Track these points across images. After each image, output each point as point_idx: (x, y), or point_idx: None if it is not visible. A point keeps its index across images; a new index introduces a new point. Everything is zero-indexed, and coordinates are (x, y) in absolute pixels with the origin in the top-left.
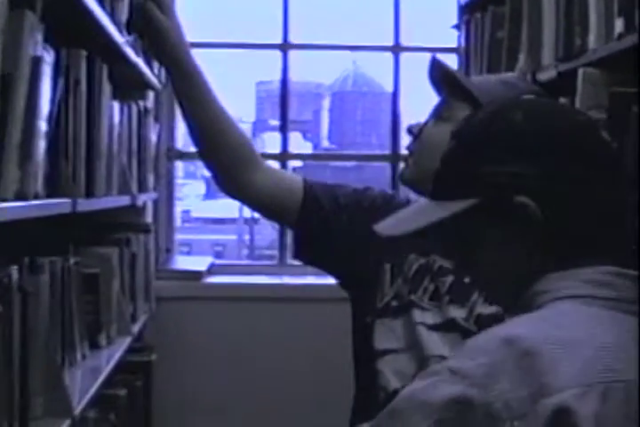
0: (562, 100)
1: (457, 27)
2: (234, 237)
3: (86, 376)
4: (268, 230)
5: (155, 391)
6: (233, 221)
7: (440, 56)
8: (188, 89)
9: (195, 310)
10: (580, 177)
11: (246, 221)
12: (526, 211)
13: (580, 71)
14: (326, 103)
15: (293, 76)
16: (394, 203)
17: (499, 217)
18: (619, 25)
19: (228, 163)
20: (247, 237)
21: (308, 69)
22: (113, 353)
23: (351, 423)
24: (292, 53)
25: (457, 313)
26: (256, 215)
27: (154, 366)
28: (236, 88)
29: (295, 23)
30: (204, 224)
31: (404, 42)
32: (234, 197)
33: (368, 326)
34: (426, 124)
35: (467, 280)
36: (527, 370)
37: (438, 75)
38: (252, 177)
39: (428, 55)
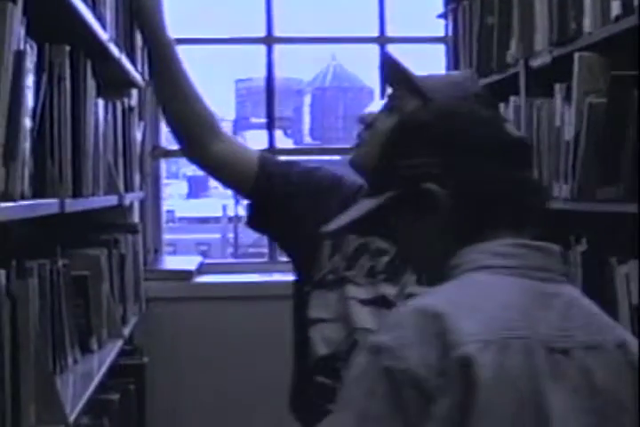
0: (557, 85)
1: (443, 16)
2: (218, 235)
3: (78, 382)
4: None
5: (148, 395)
6: (217, 219)
7: (427, 46)
8: (162, 58)
9: (186, 311)
10: (476, 165)
11: (230, 219)
12: (433, 196)
13: (576, 56)
14: (307, 99)
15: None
16: (341, 184)
17: (413, 204)
18: (615, 7)
19: (190, 127)
20: (231, 235)
21: (287, 66)
22: (104, 357)
23: (292, 386)
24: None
25: (389, 291)
26: (240, 213)
27: (146, 369)
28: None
29: (278, 17)
30: (188, 224)
31: (390, 33)
32: (194, 161)
33: (305, 295)
34: (378, 114)
35: (399, 261)
36: (436, 332)
37: (390, 70)
38: (212, 144)
39: (414, 46)
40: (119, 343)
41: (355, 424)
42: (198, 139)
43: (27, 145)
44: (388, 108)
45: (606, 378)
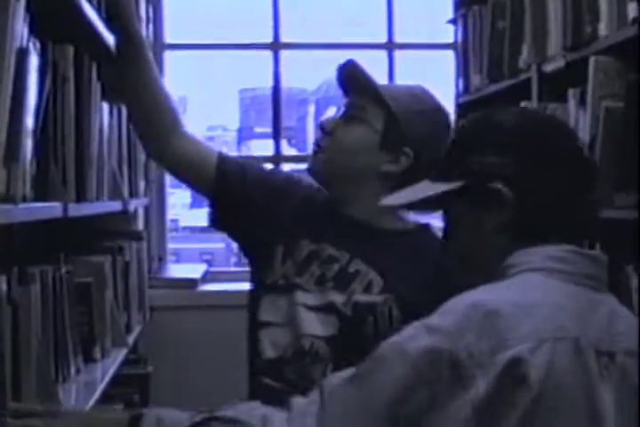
0: (571, 91)
1: (453, 21)
2: (222, 245)
3: (81, 392)
4: None
5: (152, 405)
6: None
7: (436, 53)
8: (132, 53)
9: (190, 319)
10: (546, 171)
11: None
12: (500, 196)
13: (592, 60)
14: (312, 109)
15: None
16: (298, 187)
17: (478, 199)
18: (632, 9)
19: (152, 124)
20: (235, 244)
21: (290, 75)
22: (108, 366)
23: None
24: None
25: (336, 298)
26: None
27: (150, 378)
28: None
29: (284, 24)
30: (192, 233)
31: (398, 39)
32: (154, 158)
33: (257, 299)
34: (336, 121)
35: (355, 269)
36: (489, 328)
37: (353, 77)
38: (172, 141)
39: (423, 53)
40: (123, 352)
41: (381, 384)
42: (159, 135)
43: (29, 146)
44: (348, 117)
45: None
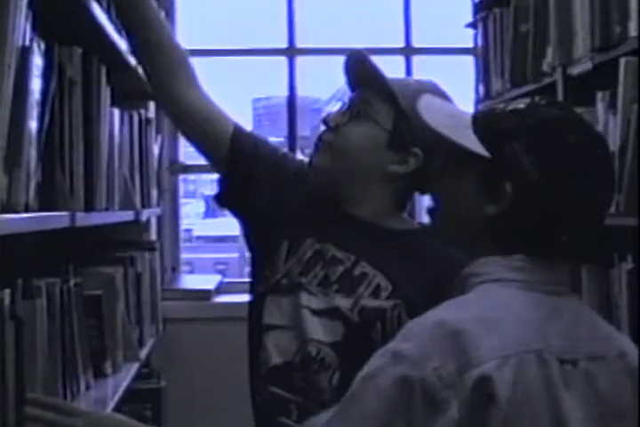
0: (599, 93)
1: (472, 25)
2: (236, 255)
3: (91, 408)
4: None
5: (164, 421)
6: (234, 238)
7: (455, 58)
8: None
9: (205, 332)
10: (562, 186)
11: None
12: (502, 195)
13: (622, 61)
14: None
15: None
16: (308, 178)
17: (486, 183)
18: None
19: (165, 66)
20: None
21: (304, 84)
22: (120, 382)
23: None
24: (286, 71)
25: (342, 302)
26: None
27: (163, 393)
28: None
29: (300, 30)
30: (205, 243)
31: (416, 44)
32: (165, 107)
33: (260, 299)
34: (342, 116)
35: (361, 272)
36: (455, 347)
37: (362, 71)
38: (187, 92)
39: (441, 58)
40: (135, 366)
41: (360, 421)
42: (172, 82)
43: (33, 151)
44: (354, 113)
45: (607, 387)
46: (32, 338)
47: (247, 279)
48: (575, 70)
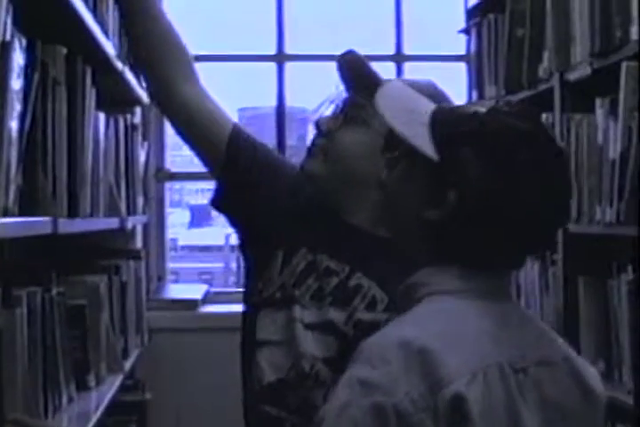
0: (599, 100)
1: (465, 31)
2: (220, 264)
3: (74, 422)
4: None
5: None
6: (219, 248)
7: (447, 65)
8: None
9: (191, 342)
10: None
11: (232, 248)
12: (445, 201)
13: (624, 66)
14: (311, 128)
15: (274, 101)
16: (305, 186)
17: (430, 186)
18: None
19: (160, 61)
20: (234, 264)
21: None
22: (103, 394)
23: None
24: (274, 78)
25: (336, 316)
26: None
27: (148, 406)
28: None
29: (289, 37)
30: (190, 252)
31: (407, 51)
32: (161, 106)
33: (253, 314)
34: (335, 121)
35: (356, 283)
36: (422, 367)
37: (353, 73)
38: (183, 86)
39: (433, 64)
40: (119, 378)
41: None
42: (171, 76)
43: (13, 152)
44: (348, 117)
45: (553, 391)
46: (12, 349)
47: (233, 289)
48: (573, 76)
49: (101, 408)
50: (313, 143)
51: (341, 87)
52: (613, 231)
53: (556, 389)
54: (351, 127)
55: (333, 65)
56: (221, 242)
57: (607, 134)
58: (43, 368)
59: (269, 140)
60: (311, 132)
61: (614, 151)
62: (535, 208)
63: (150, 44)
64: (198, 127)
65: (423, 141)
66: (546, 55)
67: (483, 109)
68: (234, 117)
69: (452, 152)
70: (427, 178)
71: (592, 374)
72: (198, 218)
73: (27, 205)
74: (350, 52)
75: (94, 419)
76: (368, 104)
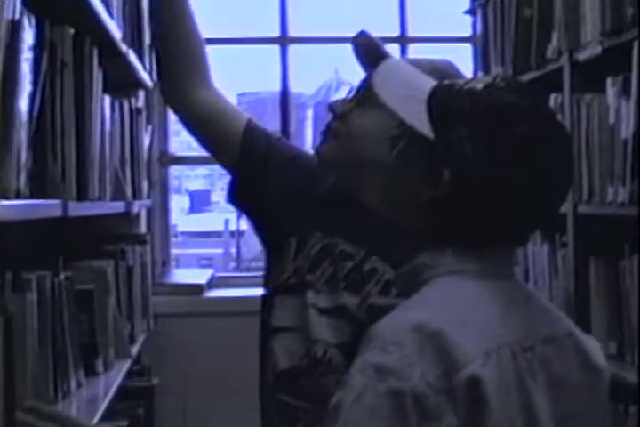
0: (610, 79)
1: (471, 11)
2: (220, 250)
3: (83, 408)
4: (254, 242)
5: (157, 420)
6: (218, 234)
7: (452, 46)
8: None
9: (197, 327)
10: (500, 168)
11: (232, 234)
12: (440, 180)
13: (636, 44)
14: (310, 113)
15: (273, 86)
16: (320, 175)
17: (427, 164)
18: None
19: (179, 65)
20: (233, 250)
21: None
22: (111, 380)
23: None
24: (273, 63)
25: (350, 300)
26: (242, 227)
27: (155, 391)
28: None
29: (292, 19)
30: (190, 238)
31: (412, 33)
32: (176, 108)
33: (270, 302)
34: (348, 103)
35: (371, 267)
36: (437, 350)
37: (367, 54)
38: (199, 91)
39: (438, 46)
40: (127, 364)
41: None
42: (186, 80)
43: (23, 135)
44: (361, 99)
45: (559, 368)
46: (23, 334)
47: (239, 273)
48: (583, 55)
49: (110, 394)
50: (327, 126)
51: (340, 71)
52: (625, 212)
53: (562, 365)
54: (364, 109)
55: (332, 48)
56: (221, 228)
57: (619, 114)
58: (52, 354)
59: (270, 125)
60: (310, 118)
61: (627, 131)
62: (534, 183)
63: (173, 42)
64: (212, 130)
65: (420, 119)
66: (555, 35)
67: (479, 85)
68: (234, 102)
69: (446, 130)
70: (423, 157)
71: (595, 348)
72: (198, 204)
73: (37, 187)
74: (362, 34)
75: (103, 405)
76: None
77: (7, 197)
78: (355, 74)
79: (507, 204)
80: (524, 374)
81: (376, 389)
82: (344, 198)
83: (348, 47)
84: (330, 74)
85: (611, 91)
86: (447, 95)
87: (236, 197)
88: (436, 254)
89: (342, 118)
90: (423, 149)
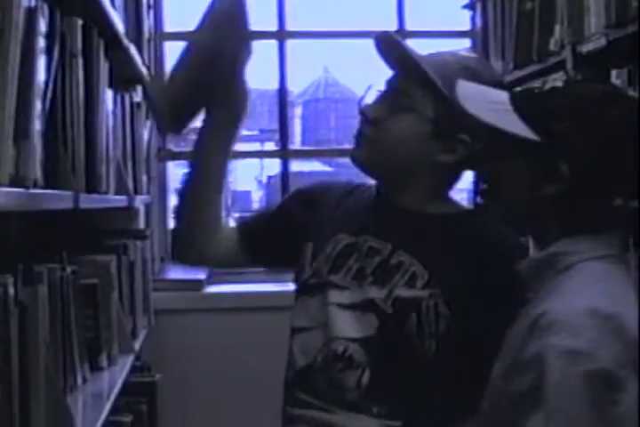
0: (615, 71)
1: (470, 6)
2: None
3: (89, 403)
4: None
5: (159, 415)
6: None
7: (451, 41)
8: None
9: (197, 323)
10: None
11: None
12: (559, 175)
13: None
14: (298, 111)
15: (262, 84)
16: (322, 198)
17: (538, 164)
18: None
19: (197, 233)
20: None
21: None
22: (115, 375)
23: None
24: (262, 61)
25: (376, 293)
26: None
27: (157, 387)
28: None
29: (289, 14)
30: None
31: (410, 28)
32: (189, 264)
33: (295, 300)
34: (380, 110)
35: (397, 261)
36: (614, 332)
37: (392, 56)
38: (210, 246)
39: (435, 41)
40: (130, 359)
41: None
42: (198, 243)
43: (37, 125)
44: (396, 106)
45: None
46: (34, 327)
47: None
48: (587, 48)
49: (115, 390)
50: (360, 132)
51: (329, 69)
52: None
53: None
54: (397, 115)
55: (320, 45)
56: None
57: None
58: (62, 347)
59: (257, 123)
60: (298, 116)
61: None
62: (634, 158)
63: (195, 223)
64: (220, 260)
65: (520, 127)
66: (557, 28)
67: (558, 84)
68: None
69: (550, 129)
70: (534, 158)
71: None
72: None
73: (49, 178)
74: (384, 35)
75: (110, 401)
76: (411, 89)
77: (25, 186)
78: (344, 72)
79: (619, 183)
80: None
81: (575, 372)
82: (373, 199)
83: (339, 44)
84: (318, 72)
85: (616, 83)
86: (535, 100)
87: (267, 264)
88: (569, 243)
89: (375, 124)
90: (531, 152)
